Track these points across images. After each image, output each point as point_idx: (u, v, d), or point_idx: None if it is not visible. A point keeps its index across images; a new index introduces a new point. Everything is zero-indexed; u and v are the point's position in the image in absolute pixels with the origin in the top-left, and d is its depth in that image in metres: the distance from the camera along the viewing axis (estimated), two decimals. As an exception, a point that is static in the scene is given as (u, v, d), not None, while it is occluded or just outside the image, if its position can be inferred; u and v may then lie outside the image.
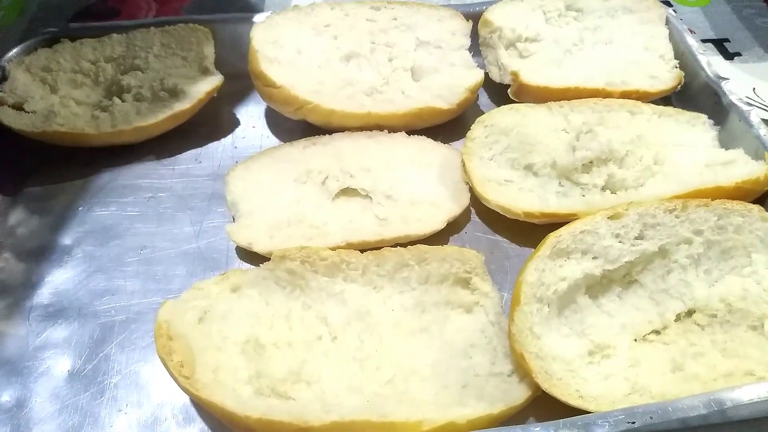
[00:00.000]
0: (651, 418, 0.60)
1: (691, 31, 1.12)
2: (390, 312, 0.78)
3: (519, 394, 0.68)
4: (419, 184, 0.93)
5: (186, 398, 0.75)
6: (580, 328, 0.74)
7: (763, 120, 0.93)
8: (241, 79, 1.07)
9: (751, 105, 0.96)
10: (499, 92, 1.08)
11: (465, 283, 0.79)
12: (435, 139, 1.00)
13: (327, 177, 0.93)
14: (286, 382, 0.70)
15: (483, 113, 0.97)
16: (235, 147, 1.08)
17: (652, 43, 1.09)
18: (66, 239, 0.93)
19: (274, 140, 1.09)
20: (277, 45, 1.04)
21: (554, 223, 0.82)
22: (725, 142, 0.95)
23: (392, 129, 1.00)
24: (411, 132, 1.01)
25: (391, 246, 0.82)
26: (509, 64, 1.05)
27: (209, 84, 1.06)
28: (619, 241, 0.76)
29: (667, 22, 1.12)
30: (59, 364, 0.79)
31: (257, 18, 1.13)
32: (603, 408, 0.65)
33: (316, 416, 0.63)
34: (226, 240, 0.91)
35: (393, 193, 0.91)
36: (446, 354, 0.74)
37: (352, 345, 0.75)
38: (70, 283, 0.88)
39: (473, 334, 0.75)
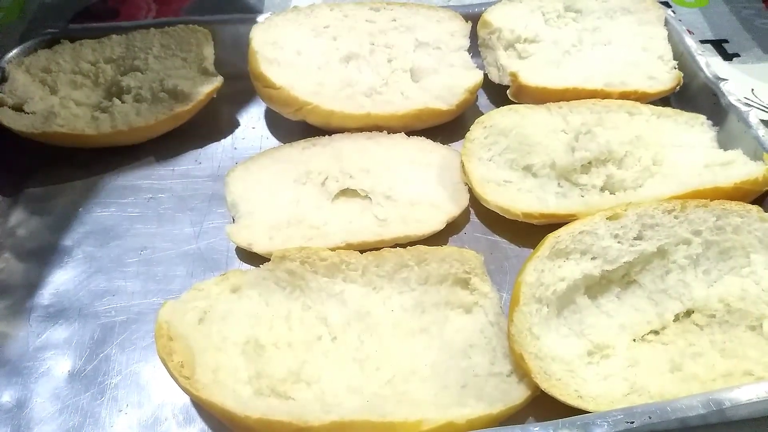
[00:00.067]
0: (650, 417, 0.60)
1: (689, 32, 1.12)
2: (389, 312, 0.78)
3: (518, 394, 0.68)
4: (418, 185, 0.93)
5: (186, 398, 0.75)
6: (579, 328, 0.74)
7: (761, 121, 0.93)
8: (240, 80, 1.07)
9: (749, 106, 0.96)
10: (499, 93, 1.08)
11: (464, 283, 0.79)
12: (434, 139, 1.00)
13: (327, 178, 0.93)
14: (286, 382, 0.70)
15: (482, 114, 0.97)
16: (235, 148, 1.08)
17: (651, 43, 1.09)
18: (66, 240, 0.93)
19: (273, 141, 1.09)
20: (276, 46, 1.04)
21: (553, 223, 0.82)
22: (724, 143, 0.95)
23: (391, 130, 1.01)
24: (410, 133, 1.01)
25: (391, 246, 0.82)
26: (508, 65, 1.05)
27: (209, 85, 1.06)
28: (618, 242, 0.76)
29: (666, 23, 1.12)
30: (60, 365, 0.79)
31: (257, 19, 1.13)
32: (602, 408, 0.65)
33: (316, 416, 0.63)
34: (226, 241, 0.91)
35: (392, 193, 0.91)
36: (446, 354, 0.74)
37: (352, 345, 0.75)
38: (70, 284, 0.88)
39: (472, 335, 0.75)
